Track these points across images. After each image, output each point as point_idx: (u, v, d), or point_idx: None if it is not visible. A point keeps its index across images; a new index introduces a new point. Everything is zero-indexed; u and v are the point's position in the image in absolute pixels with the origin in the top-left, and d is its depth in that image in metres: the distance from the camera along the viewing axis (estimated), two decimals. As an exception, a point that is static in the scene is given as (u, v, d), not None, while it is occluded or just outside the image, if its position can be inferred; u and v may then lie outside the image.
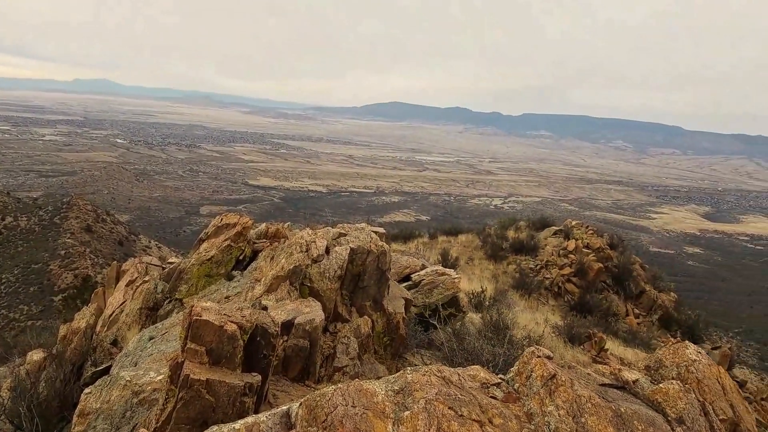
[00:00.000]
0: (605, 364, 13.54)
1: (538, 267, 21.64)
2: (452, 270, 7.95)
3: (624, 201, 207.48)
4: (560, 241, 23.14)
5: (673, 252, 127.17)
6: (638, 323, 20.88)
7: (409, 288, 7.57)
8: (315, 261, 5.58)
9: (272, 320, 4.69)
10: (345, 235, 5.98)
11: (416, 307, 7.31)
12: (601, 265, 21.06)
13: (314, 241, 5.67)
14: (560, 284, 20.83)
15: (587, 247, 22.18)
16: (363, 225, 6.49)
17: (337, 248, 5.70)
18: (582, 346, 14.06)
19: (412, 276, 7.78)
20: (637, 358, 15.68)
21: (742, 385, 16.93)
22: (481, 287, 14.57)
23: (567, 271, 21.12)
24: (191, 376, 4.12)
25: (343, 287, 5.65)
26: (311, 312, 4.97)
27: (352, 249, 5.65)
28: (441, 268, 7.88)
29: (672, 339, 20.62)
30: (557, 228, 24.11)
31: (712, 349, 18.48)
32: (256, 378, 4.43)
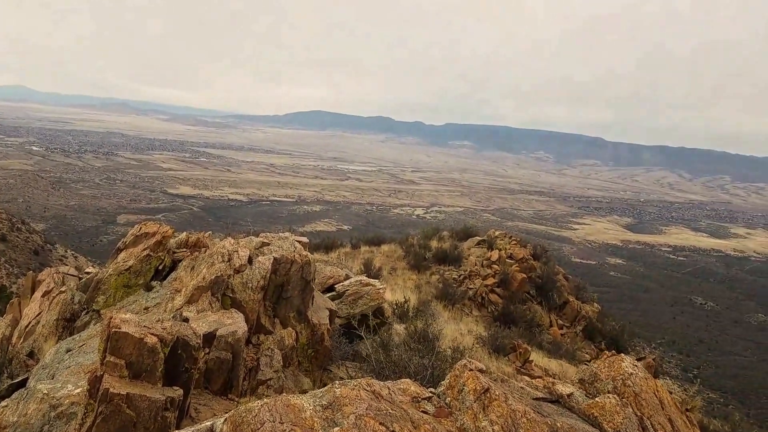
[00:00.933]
0: (530, 375, 14.46)
1: (462, 277, 22.54)
2: (377, 280, 8.40)
3: (546, 211, 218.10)
4: (484, 251, 24.24)
5: (595, 263, 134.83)
6: (562, 334, 22.18)
7: (333, 299, 7.92)
8: (237, 271, 5.79)
9: (194, 332, 4.87)
10: (268, 244, 6.23)
11: (340, 318, 7.67)
12: (524, 275, 22.24)
13: (237, 251, 5.88)
14: (484, 295, 21.79)
15: (511, 257, 23.35)
16: (287, 234, 6.79)
17: (260, 258, 5.94)
18: (507, 358, 14.88)
19: (336, 286, 8.14)
20: (562, 370, 16.79)
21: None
22: (405, 298, 15.12)
23: (491, 281, 22.13)
24: (111, 390, 4.24)
25: (267, 298, 5.89)
26: (233, 324, 5.19)
27: (275, 259, 5.91)
28: (365, 278, 8.31)
29: (600, 350, 22.14)
30: (481, 238, 25.23)
31: (637, 359, 19.95)
32: (177, 392, 4.59)
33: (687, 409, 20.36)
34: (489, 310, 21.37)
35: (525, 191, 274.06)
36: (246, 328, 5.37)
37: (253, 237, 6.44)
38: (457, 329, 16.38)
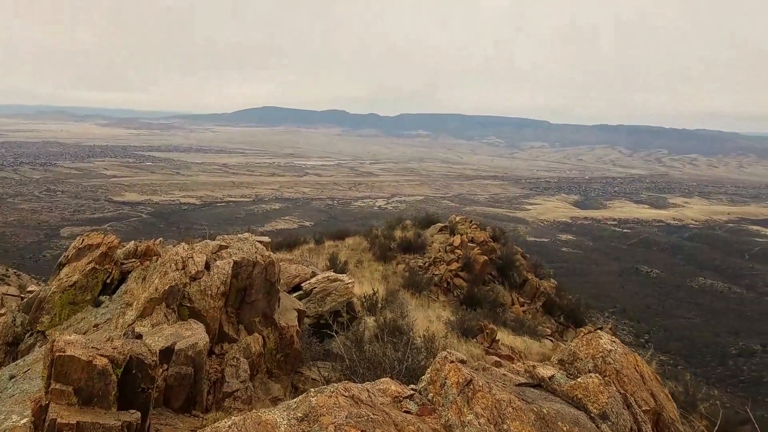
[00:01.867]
0: (497, 354, 14.30)
1: (427, 264, 22.33)
2: (344, 275, 7.92)
3: (501, 194, 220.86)
4: (446, 237, 24.07)
5: (548, 240, 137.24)
6: (524, 311, 22.24)
7: (300, 298, 7.43)
8: (194, 278, 5.25)
9: (148, 349, 4.34)
10: (227, 247, 5.69)
11: (309, 317, 7.19)
12: (486, 257, 22.17)
13: (191, 257, 5.33)
14: (449, 279, 21.64)
15: (472, 241, 23.25)
16: (246, 235, 6.23)
17: (218, 262, 5.40)
18: (475, 339, 14.69)
19: (302, 285, 7.63)
20: (526, 346, 16.72)
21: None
22: (373, 290, 14.74)
23: (454, 266, 21.98)
24: (58, 420, 3.69)
25: (229, 304, 5.37)
26: (193, 335, 4.67)
27: (235, 262, 5.38)
28: (333, 273, 7.83)
29: (559, 323, 22.23)
30: (442, 225, 25.04)
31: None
32: (135, 415, 4.07)
33: None
34: (455, 294, 21.24)
35: (480, 176, 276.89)
36: (207, 339, 4.84)
37: (209, 241, 5.86)
38: (426, 316, 16.12)
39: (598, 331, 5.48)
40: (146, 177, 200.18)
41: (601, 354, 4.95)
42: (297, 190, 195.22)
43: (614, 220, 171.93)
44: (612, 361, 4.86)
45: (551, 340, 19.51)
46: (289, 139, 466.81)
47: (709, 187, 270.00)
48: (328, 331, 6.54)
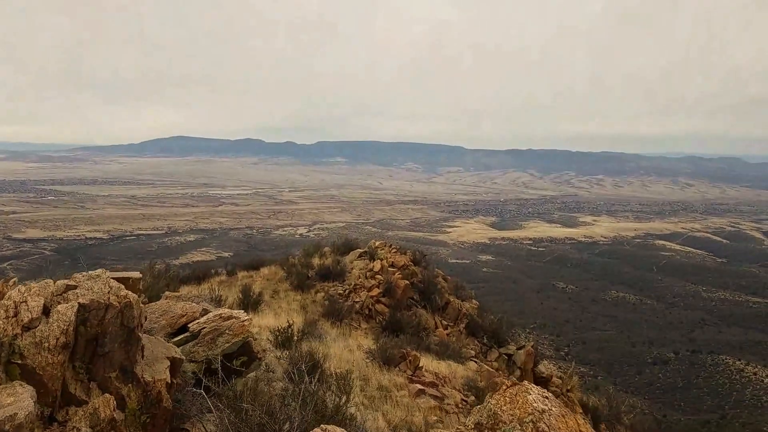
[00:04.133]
0: (421, 382, 13.53)
1: (347, 291, 21.40)
2: (242, 311, 6.85)
3: (421, 218, 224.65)
4: (366, 263, 23.27)
5: (469, 261, 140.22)
6: (447, 334, 21.71)
7: (187, 341, 6.28)
8: (27, 328, 4.06)
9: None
10: (75, 287, 4.54)
11: (196, 363, 6.07)
12: (407, 282, 21.53)
13: (25, 302, 4.15)
14: (370, 306, 20.80)
15: (392, 266, 22.59)
16: (99, 272, 5.07)
17: (59, 307, 4.23)
18: (397, 368, 13.87)
19: (189, 325, 6.49)
20: (451, 370, 16.05)
21: (548, 380, 18.37)
22: (288, 321, 13.67)
23: (375, 292, 21.19)
24: None
25: (76, 358, 4.21)
26: (15, 403, 3.52)
27: (82, 305, 4.24)
28: (227, 310, 6.73)
29: (482, 344, 21.81)
30: (362, 250, 24.25)
31: (517, 349, 19.75)
32: None
33: (568, 390, 20.09)
34: (377, 320, 20.41)
35: (400, 201, 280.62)
36: (32, 407, 3.67)
37: (50, 280, 4.68)
38: (346, 345, 15.15)
39: (525, 383, 4.32)
40: (48, 212, 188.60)
41: (531, 416, 3.81)
42: (213, 220, 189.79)
43: (530, 239, 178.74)
44: (546, 427, 3.73)
45: (475, 362, 19.01)
46: (201, 168, 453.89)
47: (615, 206, 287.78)
48: (214, 378, 5.50)
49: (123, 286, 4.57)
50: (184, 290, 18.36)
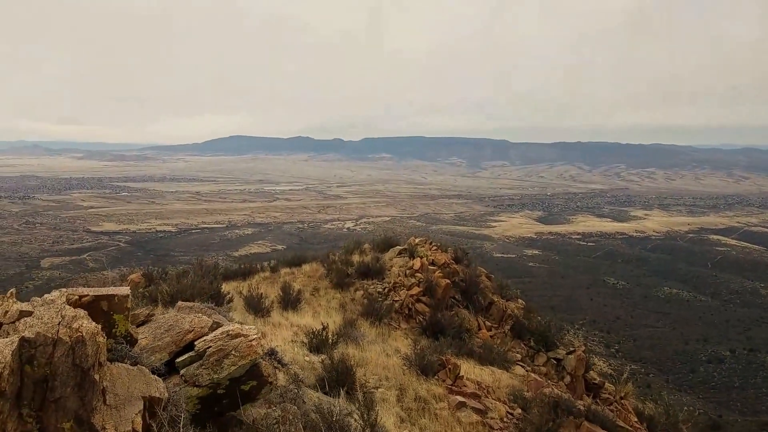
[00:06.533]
0: (462, 393, 12.53)
1: (387, 290, 20.56)
2: (252, 328, 6.03)
3: (466, 213, 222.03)
4: (406, 260, 22.37)
5: (514, 256, 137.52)
6: (491, 336, 20.60)
7: (192, 360, 5.53)
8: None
9: None
10: (30, 313, 3.76)
11: (201, 387, 5.30)
12: (448, 281, 20.52)
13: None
14: (410, 305, 19.90)
15: (433, 263, 21.61)
16: (54, 295, 4.24)
17: (-2, 342, 3.42)
18: (436, 377, 12.95)
19: (196, 343, 5.73)
20: (494, 378, 14.96)
21: (600, 386, 17.05)
22: (323, 324, 12.97)
23: (415, 291, 20.28)
24: None
25: (22, 404, 3.40)
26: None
27: (26, 340, 3.43)
28: (235, 327, 5.92)
29: (529, 347, 20.58)
30: (401, 247, 23.33)
31: (567, 354, 18.50)
32: None
33: (621, 397, 18.44)
34: (417, 320, 19.50)
35: (444, 196, 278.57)
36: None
37: (10, 299, 3.90)
38: (383, 350, 14.30)
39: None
40: (122, 207, 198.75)
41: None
42: (268, 214, 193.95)
43: (578, 234, 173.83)
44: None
45: (522, 366, 17.88)
46: (257, 166, 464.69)
47: (668, 200, 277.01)
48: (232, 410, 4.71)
49: (83, 314, 3.77)
50: (230, 286, 17.99)
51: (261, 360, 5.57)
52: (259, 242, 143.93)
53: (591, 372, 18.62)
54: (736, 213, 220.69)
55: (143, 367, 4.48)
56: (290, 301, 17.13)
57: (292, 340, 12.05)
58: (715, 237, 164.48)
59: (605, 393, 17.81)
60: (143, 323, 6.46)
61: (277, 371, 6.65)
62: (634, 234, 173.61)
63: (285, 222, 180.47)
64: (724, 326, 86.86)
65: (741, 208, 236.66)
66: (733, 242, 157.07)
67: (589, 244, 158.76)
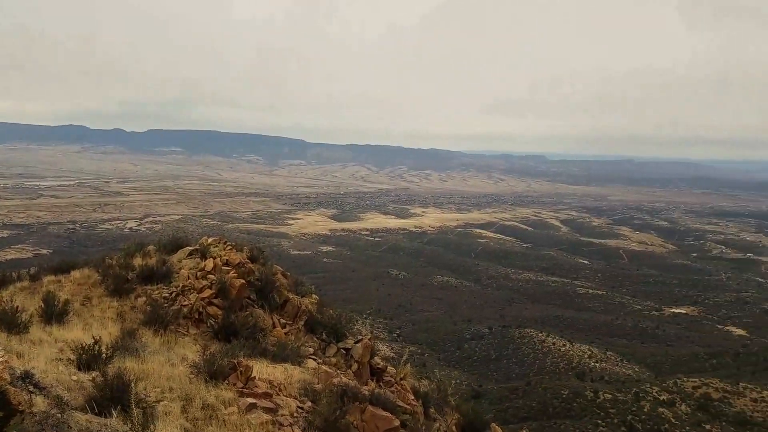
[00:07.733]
0: (254, 394, 12.20)
1: (174, 294, 19.11)
2: (-2, 348, 5.06)
3: (263, 211, 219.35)
4: (197, 261, 21.08)
5: (310, 252, 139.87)
6: (286, 333, 20.49)
7: None
8: None
9: None
10: None
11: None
12: (243, 281, 19.84)
13: None
14: (201, 309, 18.79)
15: (227, 264, 20.72)
16: None
17: None
18: (227, 381, 12.37)
19: None
20: (287, 375, 14.88)
21: (383, 370, 18.01)
22: (94, 337, 11.46)
23: (207, 293, 19.21)
24: None
25: None
26: None
27: None
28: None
29: (321, 340, 20.92)
30: (192, 248, 21.91)
31: (355, 343, 19.13)
32: None
33: (401, 378, 19.83)
34: (208, 324, 18.46)
35: (241, 193, 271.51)
36: None
37: None
38: (167, 359, 13.18)
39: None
40: None
41: None
42: (30, 214, 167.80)
43: (367, 230, 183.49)
44: None
45: (314, 359, 18.06)
46: (17, 157, 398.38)
47: (441, 198, 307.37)
48: None
49: None
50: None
51: (9, 387, 4.69)
52: (18, 246, 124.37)
53: (375, 358, 19.61)
54: (494, 210, 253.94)
55: None
56: (55, 314, 14.94)
57: (57, 359, 10.52)
58: (478, 231, 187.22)
59: (387, 376, 18.89)
60: None
61: (34, 396, 5.71)
62: (414, 229, 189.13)
63: (51, 222, 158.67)
64: (483, 307, 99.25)
65: (498, 206, 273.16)
66: (491, 235, 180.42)
67: (376, 239, 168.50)
